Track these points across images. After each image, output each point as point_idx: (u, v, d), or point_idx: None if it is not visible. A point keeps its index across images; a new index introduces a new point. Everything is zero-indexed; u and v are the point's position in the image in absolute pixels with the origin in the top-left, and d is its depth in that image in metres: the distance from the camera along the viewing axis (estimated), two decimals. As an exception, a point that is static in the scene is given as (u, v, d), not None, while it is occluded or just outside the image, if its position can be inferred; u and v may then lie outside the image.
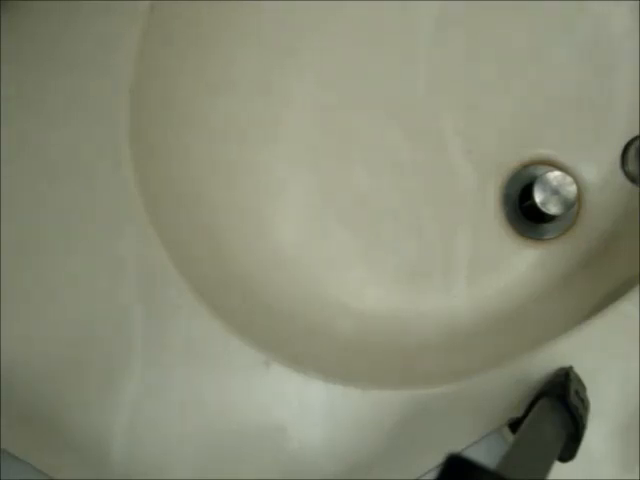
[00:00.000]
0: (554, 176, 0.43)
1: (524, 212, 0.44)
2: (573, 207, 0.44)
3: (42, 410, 0.35)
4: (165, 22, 0.39)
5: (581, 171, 0.44)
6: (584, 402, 0.33)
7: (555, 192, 0.42)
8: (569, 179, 0.43)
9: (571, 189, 0.43)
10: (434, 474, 0.24)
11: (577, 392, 0.32)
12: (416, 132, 0.45)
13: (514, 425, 0.34)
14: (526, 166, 0.45)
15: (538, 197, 0.42)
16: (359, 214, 0.44)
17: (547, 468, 0.28)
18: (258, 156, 0.44)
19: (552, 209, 0.42)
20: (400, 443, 0.35)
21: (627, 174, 0.45)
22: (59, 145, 0.36)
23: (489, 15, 0.45)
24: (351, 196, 0.44)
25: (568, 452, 0.31)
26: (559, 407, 0.31)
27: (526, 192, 0.44)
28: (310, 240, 0.44)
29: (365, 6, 0.45)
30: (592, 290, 0.41)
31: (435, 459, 0.34)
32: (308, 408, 0.35)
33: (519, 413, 0.34)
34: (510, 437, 0.34)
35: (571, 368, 0.34)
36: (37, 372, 0.35)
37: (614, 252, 0.43)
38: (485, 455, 0.34)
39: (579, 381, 0.34)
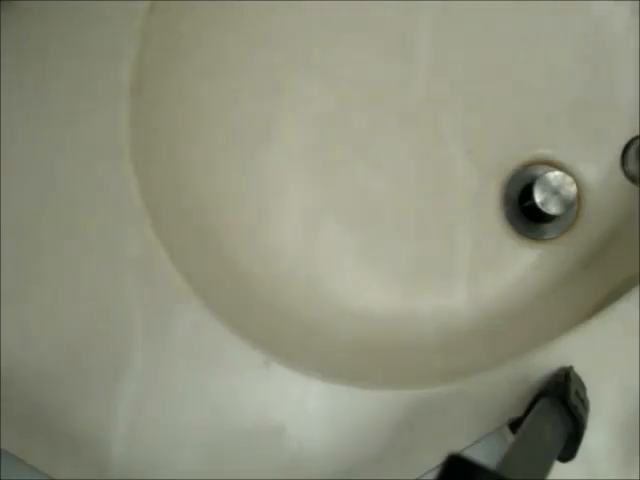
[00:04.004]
0: (554, 176, 0.43)
1: (524, 212, 0.44)
2: (573, 207, 0.44)
3: (42, 410, 0.35)
4: (165, 22, 0.39)
5: (581, 171, 0.44)
6: (584, 402, 0.33)
7: (555, 192, 0.42)
8: (569, 179, 0.43)
9: (571, 189, 0.43)
10: (434, 474, 0.24)
11: (577, 392, 0.32)
12: (416, 132, 0.45)
13: (514, 425, 0.34)
14: (526, 166, 0.45)
15: (538, 197, 0.42)
16: (359, 214, 0.44)
17: (547, 468, 0.28)
18: (258, 156, 0.44)
19: (552, 209, 0.42)
20: (400, 443, 0.35)
21: (627, 174, 0.45)
22: (59, 145, 0.36)
23: (489, 16, 0.45)
24: (351, 196, 0.44)
25: (568, 452, 0.31)
26: (559, 407, 0.31)
27: (526, 192, 0.44)
28: (310, 240, 0.44)
29: (365, 7, 0.45)
30: (592, 290, 0.41)
31: (435, 459, 0.34)
32: (308, 408, 0.35)
33: (519, 413, 0.34)
34: (510, 437, 0.34)
35: (571, 368, 0.34)
36: (37, 372, 0.35)
37: (614, 252, 0.43)
38: (485, 455, 0.34)
39: (579, 381, 0.34)
